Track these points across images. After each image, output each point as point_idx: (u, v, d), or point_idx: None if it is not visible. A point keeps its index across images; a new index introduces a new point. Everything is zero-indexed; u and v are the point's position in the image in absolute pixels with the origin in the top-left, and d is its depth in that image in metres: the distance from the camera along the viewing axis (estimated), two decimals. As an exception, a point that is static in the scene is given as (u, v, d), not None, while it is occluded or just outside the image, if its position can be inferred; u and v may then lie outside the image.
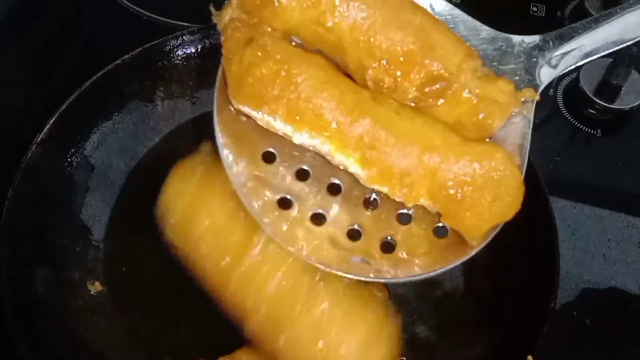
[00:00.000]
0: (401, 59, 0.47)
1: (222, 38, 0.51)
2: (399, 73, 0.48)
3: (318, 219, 0.51)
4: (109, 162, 0.73)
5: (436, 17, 0.51)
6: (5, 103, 0.81)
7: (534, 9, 0.95)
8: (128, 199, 0.72)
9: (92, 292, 0.66)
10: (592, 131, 0.84)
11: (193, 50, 0.78)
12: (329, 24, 0.48)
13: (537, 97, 0.51)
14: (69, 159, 0.71)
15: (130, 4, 0.92)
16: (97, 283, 0.66)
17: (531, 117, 0.50)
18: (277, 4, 0.48)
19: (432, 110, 0.49)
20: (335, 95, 0.47)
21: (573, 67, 0.53)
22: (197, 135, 0.77)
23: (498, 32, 0.53)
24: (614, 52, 0.84)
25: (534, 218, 0.66)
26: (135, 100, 0.76)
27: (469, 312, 0.66)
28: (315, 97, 0.46)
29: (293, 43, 0.50)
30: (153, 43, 0.76)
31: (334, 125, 0.46)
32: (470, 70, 0.49)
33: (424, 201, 0.48)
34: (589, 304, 0.71)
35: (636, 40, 0.53)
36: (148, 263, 0.67)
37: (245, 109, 0.50)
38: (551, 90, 0.87)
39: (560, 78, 0.88)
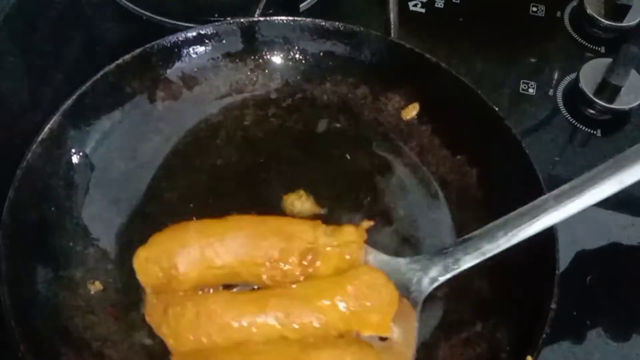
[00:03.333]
0: (277, 255, 0.64)
1: (147, 318, 0.65)
2: (282, 265, 0.64)
3: None
4: (109, 162, 0.73)
5: (278, 217, 0.69)
6: (5, 103, 0.81)
7: (534, 9, 0.95)
8: (128, 198, 0.72)
9: (92, 292, 0.66)
10: (592, 131, 0.84)
11: (193, 50, 0.78)
12: (219, 264, 0.64)
13: (419, 307, 0.64)
14: (69, 159, 0.71)
15: (130, 4, 0.92)
16: (97, 283, 0.66)
17: (416, 324, 0.64)
18: (179, 276, 0.64)
19: (317, 273, 0.65)
20: (243, 301, 0.63)
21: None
22: (196, 134, 0.77)
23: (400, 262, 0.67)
24: (614, 51, 0.85)
25: (534, 218, 0.66)
26: (135, 99, 0.76)
27: (469, 312, 0.66)
28: (231, 310, 0.62)
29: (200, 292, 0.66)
30: (153, 43, 0.76)
31: (254, 320, 0.62)
32: (322, 234, 0.66)
33: (342, 327, 0.62)
34: (589, 304, 0.71)
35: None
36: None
37: None
38: (551, 90, 0.87)
39: (560, 78, 0.88)
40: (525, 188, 0.68)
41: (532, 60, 0.91)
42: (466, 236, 0.65)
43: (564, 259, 0.64)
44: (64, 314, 0.64)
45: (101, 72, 0.73)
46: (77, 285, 0.66)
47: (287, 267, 0.64)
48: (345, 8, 0.95)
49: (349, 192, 0.73)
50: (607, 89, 0.82)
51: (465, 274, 0.67)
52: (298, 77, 0.81)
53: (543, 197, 0.63)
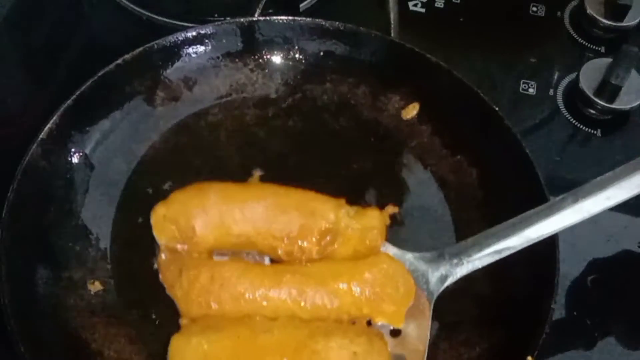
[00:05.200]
0: (296, 231, 0.64)
1: (160, 276, 0.65)
2: (299, 241, 0.63)
3: None
4: (109, 161, 0.73)
5: (300, 189, 0.67)
6: (5, 103, 0.81)
7: (534, 9, 0.95)
8: (128, 198, 0.72)
9: (92, 292, 0.66)
10: (592, 131, 0.84)
11: (193, 50, 0.78)
12: (237, 232, 0.64)
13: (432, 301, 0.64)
14: (69, 159, 0.71)
15: (130, 4, 0.92)
16: (97, 283, 0.66)
17: (429, 317, 0.63)
18: (195, 238, 0.64)
19: (334, 254, 0.64)
20: (257, 273, 0.62)
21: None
22: (196, 134, 0.77)
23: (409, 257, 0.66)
24: (614, 51, 0.85)
25: (534, 218, 0.66)
26: (135, 99, 0.76)
27: (469, 312, 0.66)
28: (244, 281, 0.62)
29: (216, 257, 0.66)
30: (153, 43, 0.76)
31: (267, 293, 0.61)
32: (345, 215, 0.64)
33: (355, 313, 0.62)
34: (589, 304, 0.71)
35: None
36: (148, 262, 0.67)
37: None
38: (551, 90, 0.87)
39: (560, 78, 0.88)
40: (525, 188, 0.68)
41: (532, 60, 0.90)
42: (480, 234, 0.64)
43: (565, 259, 0.64)
44: (63, 314, 0.64)
45: (101, 72, 0.73)
46: (77, 285, 0.66)
47: (305, 244, 0.64)
48: (345, 8, 0.95)
49: (349, 192, 0.73)
50: (607, 89, 0.82)
51: (465, 275, 0.67)
52: (298, 77, 0.81)
53: (562, 196, 0.62)
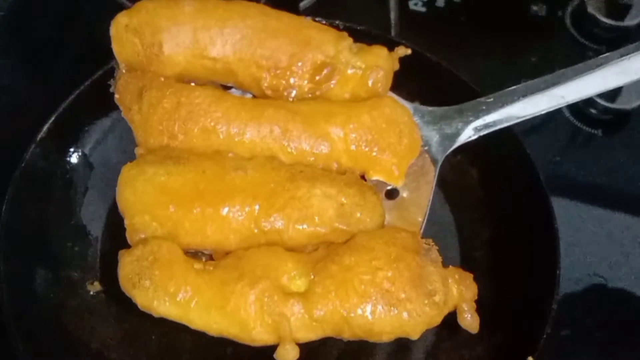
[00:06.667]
0: (285, 61, 0.52)
1: (116, 96, 0.54)
2: (288, 74, 0.52)
3: None
4: (108, 161, 0.73)
5: (296, 16, 0.56)
6: (5, 103, 0.81)
7: (535, 8, 0.95)
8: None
9: (91, 292, 0.66)
10: (593, 131, 0.84)
11: (193, 50, 0.78)
12: (213, 55, 0.53)
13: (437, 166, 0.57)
14: (68, 159, 0.71)
15: (129, 3, 0.91)
16: (96, 283, 0.66)
17: (433, 183, 0.55)
18: (162, 56, 0.53)
19: (329, 94, 0.53)
20: (234, 103, 0.51)
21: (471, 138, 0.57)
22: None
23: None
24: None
25: (535, 218, 0.66)
26: (134, 99, 0.76)
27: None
28: (217, 110, 0.51)
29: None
30: (152, 42, 0.75)
31: (244, 127, 0.51)
32: (346, 49, 0.54)
33: (347, 162, 0.52)
34: (589, 304, 0.71)
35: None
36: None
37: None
38: (552, 89, 0.87)
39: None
40: (525, 188, 0.67)
41: (533, 59, 0.90)
42: (502, 91, 0.56)
43: (565, 259, 0.64)
44: (63, 314, 0.64)
45: (100, 72, 0.72)
46: (76, 285, 0.66)
47: (294, 78, 0.53)
48: (345, 6, 0.95)
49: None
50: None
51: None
52: (298, 77, 0.80)
53: (602, 55, 0.54)
